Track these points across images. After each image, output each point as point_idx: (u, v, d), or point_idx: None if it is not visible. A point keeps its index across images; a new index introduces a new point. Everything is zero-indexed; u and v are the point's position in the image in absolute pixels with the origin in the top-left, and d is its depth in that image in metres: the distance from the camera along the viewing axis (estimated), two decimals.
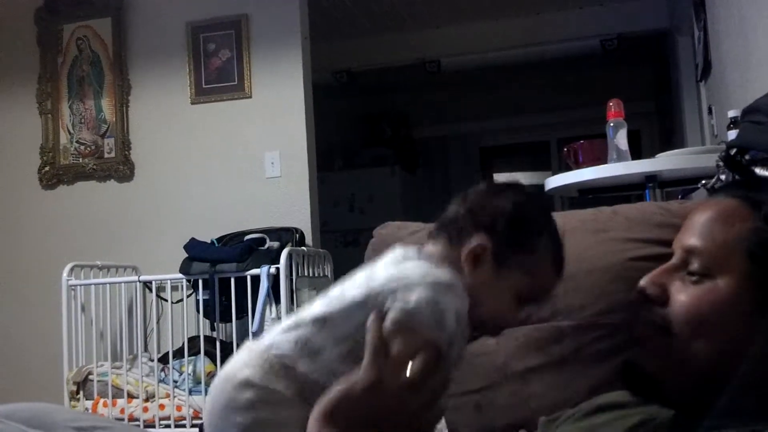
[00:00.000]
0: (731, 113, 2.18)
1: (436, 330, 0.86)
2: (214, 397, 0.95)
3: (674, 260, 0.89)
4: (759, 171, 1.17)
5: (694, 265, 0.85)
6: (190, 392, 3.38)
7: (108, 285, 3.70)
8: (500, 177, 6.41)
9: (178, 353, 3.54)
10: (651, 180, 2.49)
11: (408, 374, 0.79)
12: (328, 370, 0.88)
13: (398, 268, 0.92)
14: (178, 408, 3.37)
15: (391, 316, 0.85)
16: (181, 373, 3.45)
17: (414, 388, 0.79)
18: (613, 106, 2.58)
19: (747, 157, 1.23)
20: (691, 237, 0.87)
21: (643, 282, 0.90)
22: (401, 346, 0.82)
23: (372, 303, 0.88)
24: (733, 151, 1.25)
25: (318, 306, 0.93)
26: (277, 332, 0.95)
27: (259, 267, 3.36)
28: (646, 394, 0.89)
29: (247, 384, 0.92)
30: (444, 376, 0.83)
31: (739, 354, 0.78)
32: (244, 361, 0.95)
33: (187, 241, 3.66)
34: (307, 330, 0.92)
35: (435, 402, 0.81)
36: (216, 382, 0.96)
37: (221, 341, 3.47)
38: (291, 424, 0.88)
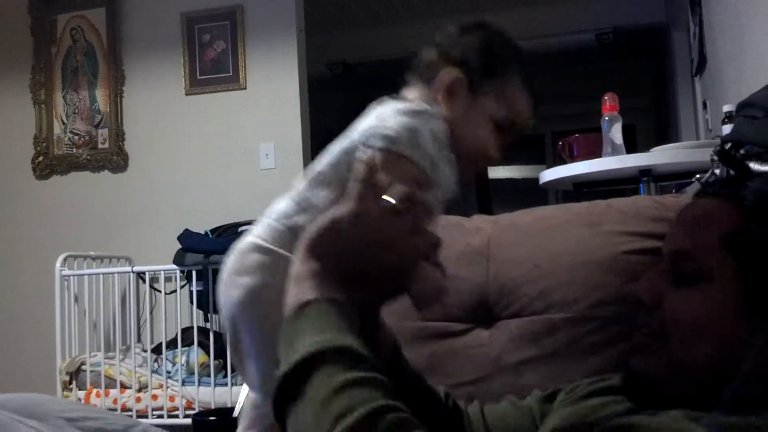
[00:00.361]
0: (726, 108, 2.18)
1: (415, 150, 0.92)
2: (229, 262, 1.01)
3: (665, 264, 0.89)
4: (754, 166, 1.17)
5: (684, 269, 0.85)
6: (183, 383, 3.37)
7: (101, 275, 3.69)
8: (494, 171, 6.40)
9: (172, 344, 3.54)
10: (645, 174, 2.50)
11: (392, 196, 0.76)
12: None
13: (376, 115, 0.99)
14: (171, 398, 3.37)
15: (372, 147, 0.90)
16: (174, 364, 3.45)
17: (399, 211, 0.75)
18: (608, 100, 2.58)
19: (742, 151, 1.24)
20: (678, 241, 0.87)
21: (636, 287, 0.89)
22: (385, 171, 0.82)
23: (355, 146, 0.95)
24: (728, 146, 1.25)
25: (311, 168, 1.00)
26: (283, 202, 1.01)
27: None
28: (648, 403, 0.88)
29: (255, 248, 0.98)
30: (429, 200, 0.80)
31: (737, 354, 0.78)
32: (256, 228, 1.01)
33: (181, 232, 3.65)
34: (304, 190, 0.99)
35: (421, 229, 0.78)
36: (234, 251, 1.02)
37: (215, 332, 3.47)
38: None
